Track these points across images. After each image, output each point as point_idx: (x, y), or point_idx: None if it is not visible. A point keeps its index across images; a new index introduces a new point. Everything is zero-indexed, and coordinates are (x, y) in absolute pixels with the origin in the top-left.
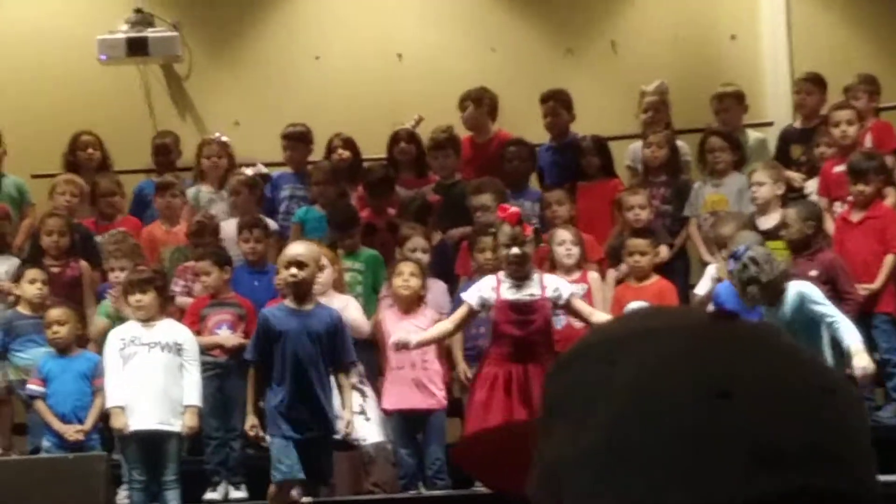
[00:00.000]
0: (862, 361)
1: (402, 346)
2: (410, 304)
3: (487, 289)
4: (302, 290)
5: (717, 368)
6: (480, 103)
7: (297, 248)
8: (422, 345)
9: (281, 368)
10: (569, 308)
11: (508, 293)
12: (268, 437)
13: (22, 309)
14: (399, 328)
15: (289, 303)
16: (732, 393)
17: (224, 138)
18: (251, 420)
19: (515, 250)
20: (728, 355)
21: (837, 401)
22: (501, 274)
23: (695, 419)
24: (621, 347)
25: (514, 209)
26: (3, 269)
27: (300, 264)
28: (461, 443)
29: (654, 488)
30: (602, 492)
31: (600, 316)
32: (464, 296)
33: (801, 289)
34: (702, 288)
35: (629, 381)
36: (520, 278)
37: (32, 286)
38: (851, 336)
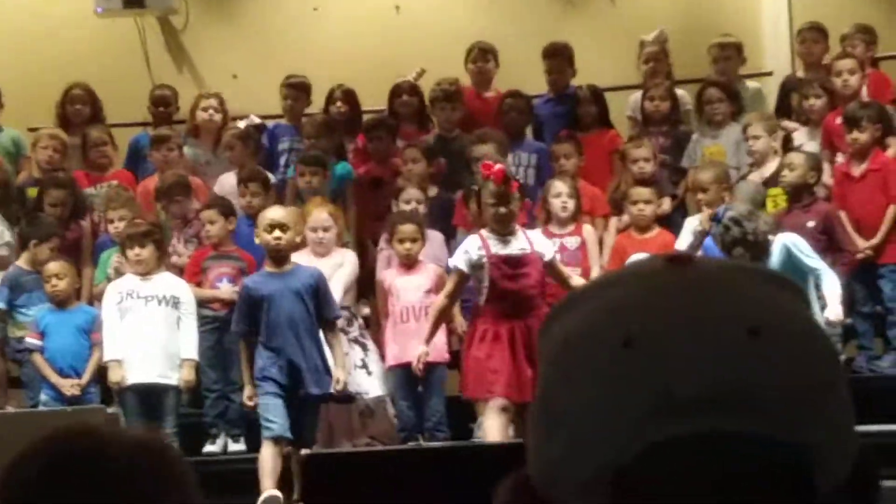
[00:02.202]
0: (833, 310)
1: (422, 360)
2: (413, 263)
3: (474, 248)
4: (282, 254)
5: (629, 318)
6: (495, 57)
7: (277, 211)
8: (431, 339)
9: (268, 331)
10: (549, 268)
11: (498, 248)
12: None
13: (23, 265)
14: (401, 284)
15: (268, 267)
16: (636, 341)
17: (220, 95)
18: (249, 390)
19: (502, 209)
20: (645, 303)
21: (762, 342)
22: (484, 232)
23: (601, 370)
24: (569, 304)
25: (499, 166)
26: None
27: (282, 226)
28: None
29: (572, 444)
30: (534, 452)
31: (577, 280)
32: (451, 262)
33: (787, 240)
34: (682, 242)
35: (557, 340)
36: (504, 235)
37: (41, 250)
38: (830, 285)
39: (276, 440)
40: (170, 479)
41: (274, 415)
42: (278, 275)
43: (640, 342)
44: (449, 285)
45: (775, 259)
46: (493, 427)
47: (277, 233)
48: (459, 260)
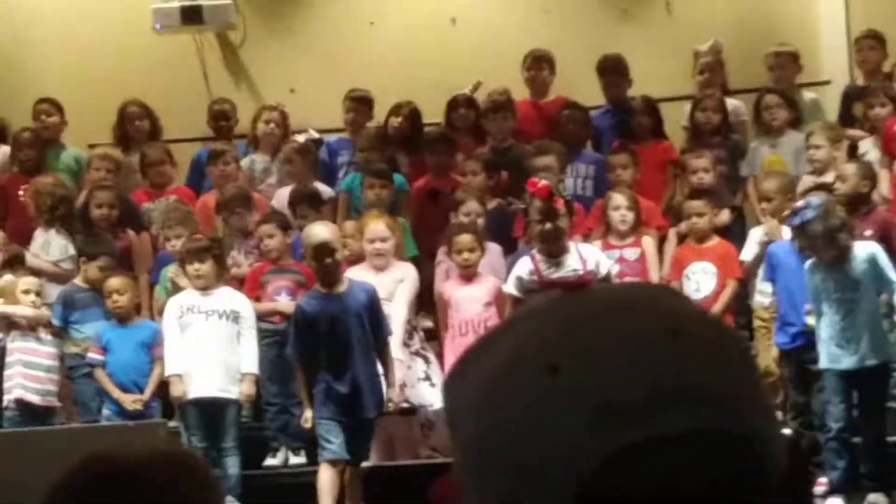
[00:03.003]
0: None
1: None
2: (471, 274)
3: (525, 272)
4: (335, 277)
5: (549, 346)
6: (552, 66)
7: (321, 234)
8: None
9: (325, 354)
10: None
11: (549, 271)
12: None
13: (79, 282)
14: (460, 296)
15: (321, 287)
16: (560, 366)
17: (284, 108)
18: (307, 413)
19: (548, 226)
20: (561, 330)
21: (682, 342)
22: (536, 252)
23: (534, 401)
24: (481, 349)
25: (543, 183)
26: (54, 245)
27: (330, 251)
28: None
29: (520, 479)
30: (474, 495)
31: None
32: (504, 288)
33: (873, 248)
34: (748, 253)
35: (477, 384)
36: (555, 254)
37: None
38: None
39: (334, 462)
40: (199, 492)
41: (332, 436)
42: (333, 296)
43: (567, 365)
44: (507, 310)
45: (860, 264)
46: None
47: (327, 260)
48: (511, 285)
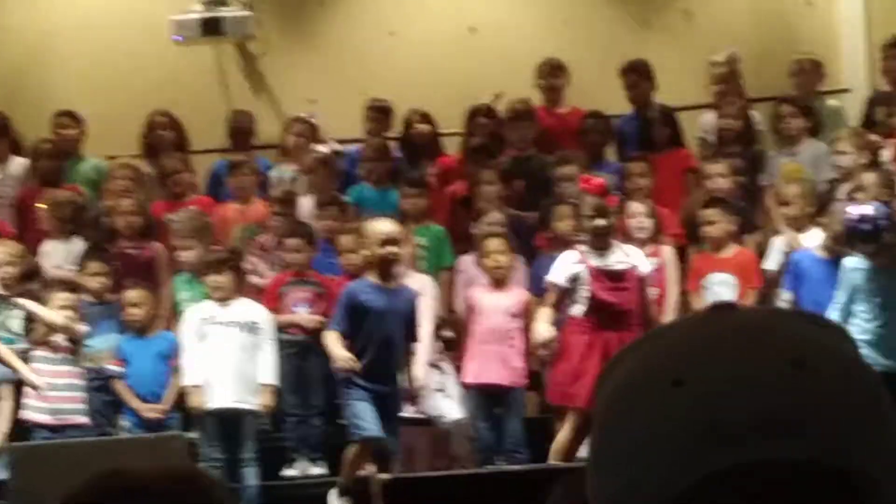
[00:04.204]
0: None
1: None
2: (502, 279)
3: (572, 263)
4: (394, 269)
5: (677, 360)
6: (565, 74)
7: (388, 225)
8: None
9: (364, 343)
10: (640, 284)
11: (597, 261)
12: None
13: (87, 297)
14: (488, 304)
15: (375, 279)
16: (685, 380)
17: (313, 119)
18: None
19: (601, 221)
20: (693, 346)
21: (807, 374)
22: (581, 247)
23: (654, 409)
24: (621, 358)
25: (598, 179)
26: (78, 255)
27: (396, 241)
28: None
29: (630, 480)
30: (595, 492)
31: (654, 310)
32: (549, 278)
33: None
34: (772, 262)
35: (612, 387)
36: (602, 249)
37: (94, 279)
38: None
39: (367, 441)
40: None
41: (363, 417)
42: (387, 290)
43: (689, 380)
44: (548, 299)
45: None
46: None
47: (392, 248)
48: (557, 275)
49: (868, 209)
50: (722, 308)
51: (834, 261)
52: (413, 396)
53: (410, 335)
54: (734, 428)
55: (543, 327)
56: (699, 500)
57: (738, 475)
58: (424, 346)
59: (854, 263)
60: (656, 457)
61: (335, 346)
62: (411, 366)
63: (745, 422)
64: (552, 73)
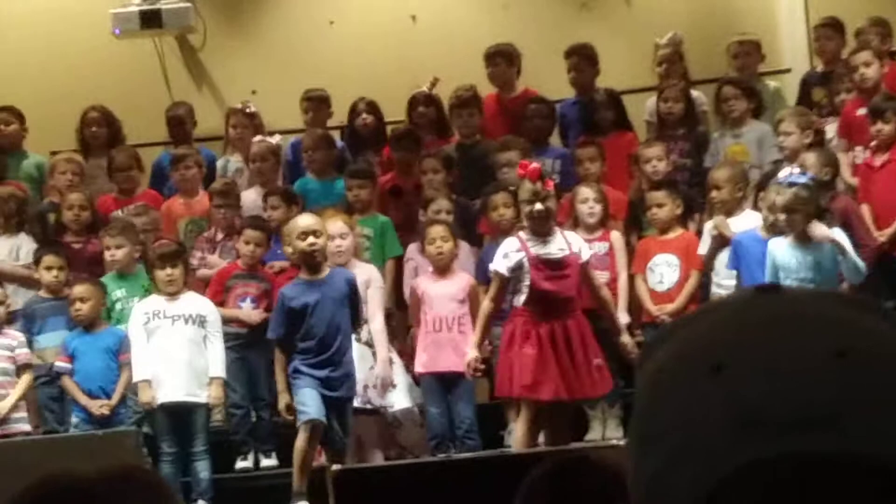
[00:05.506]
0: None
1: (473, 365)
2: (445, 267)
3: (513, 251)
4: (317, 260)
5: (718, 344)
6: (512, 60)
7: (308, 218)
8: (481, 343)
9: (307, 339)
10: (582, 270)
11: (537, 249)
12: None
13: (40, 292)
14: (434, 293)
15: (303, 275)
16: (725, 365)
17: (252, 108)
18: (285, 399)
19: (539, 206)
20: (733, 331)
21: (849, 363)
22: (522, 233)
23: (692, 394)
24: (662, 338)
25: (534, 165)
26: (25, 250)
27: (315, 233)
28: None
29: (666, 463)
30: (632, 470)
31: (605, 292)
32: (492, 266)
33: (839, 236)
34: (703, 247)
35: (651, 369)
36: (543, 235)
37: (49, 273)
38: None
39: (314, 426)
40: None
41: (307, 402)
42: (316, 283)
43: (729, 367)
44: (492, 290)
45: (825, 248)
46: (522, 432)
47: (312, 239)
48: (500, 264)
49: (796, 172)
50: (766, 290)
51: None
52: (384, 389)
53: (355, 315)
54: (774, 419)
55: (471, 353)
56: (734, 490)
57: (773, 467)
58: (380, 341)
59: (776, 243)
60: (693, 443)
61: (280, 377)
62: (375, 364)
63: (786, 413)
64: (493, 61)
